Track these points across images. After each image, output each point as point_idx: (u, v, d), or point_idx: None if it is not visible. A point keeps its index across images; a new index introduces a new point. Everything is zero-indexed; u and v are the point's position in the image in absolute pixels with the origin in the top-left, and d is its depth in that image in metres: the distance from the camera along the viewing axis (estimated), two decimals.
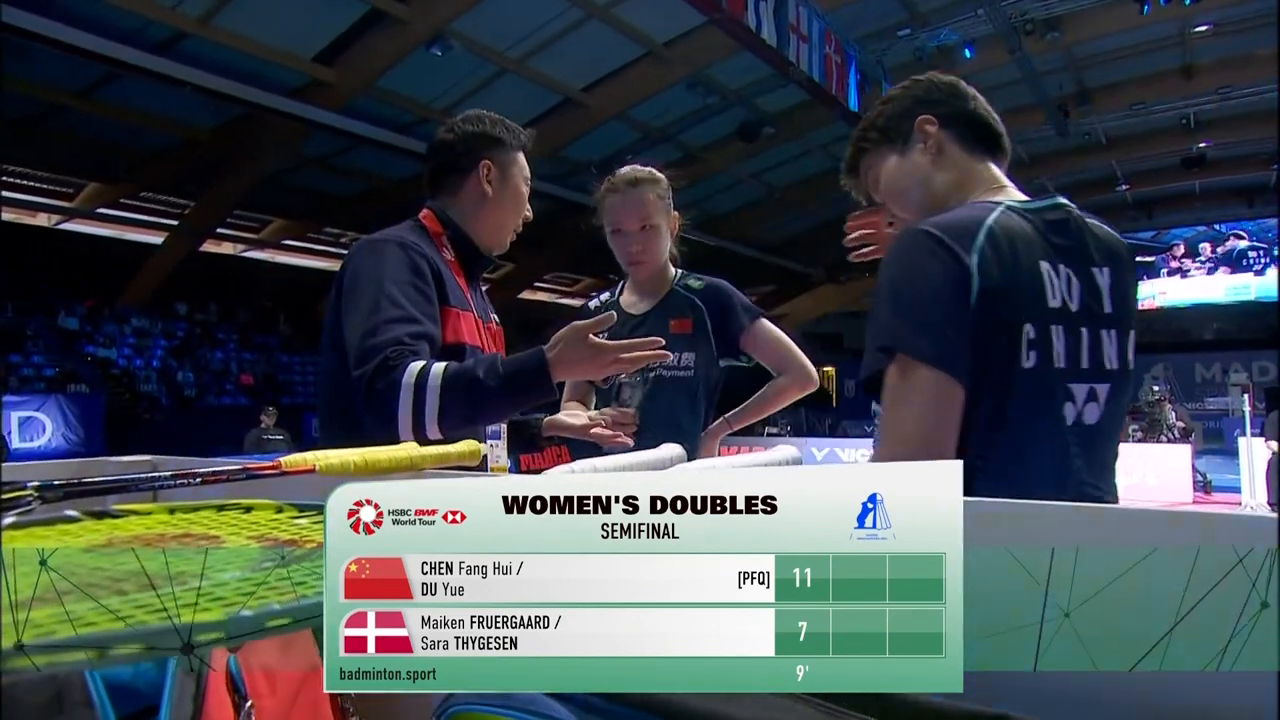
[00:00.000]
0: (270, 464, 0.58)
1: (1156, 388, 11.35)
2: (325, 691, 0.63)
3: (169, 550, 0.33)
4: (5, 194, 13.45)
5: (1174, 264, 19.58)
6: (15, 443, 10.85)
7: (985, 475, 0.89)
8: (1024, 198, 1.05)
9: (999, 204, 0.98)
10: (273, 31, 9.80)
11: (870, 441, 11.72)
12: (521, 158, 1.54)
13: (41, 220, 14.85)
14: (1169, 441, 10.41)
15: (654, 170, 1.79)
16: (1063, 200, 1.04)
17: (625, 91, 12.16)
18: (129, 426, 12.42)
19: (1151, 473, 9.11)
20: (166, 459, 0.91)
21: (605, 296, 1.93)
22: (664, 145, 14.06)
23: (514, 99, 11.29)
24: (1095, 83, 13.11)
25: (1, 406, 10.44)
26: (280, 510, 0.42)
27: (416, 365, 1.20)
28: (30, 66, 9.58)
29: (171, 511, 0.40)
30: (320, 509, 0.40)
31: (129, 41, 9.19)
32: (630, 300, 1.87)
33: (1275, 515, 0.42)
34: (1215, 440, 13.08)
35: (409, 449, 0.73)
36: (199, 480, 0.51)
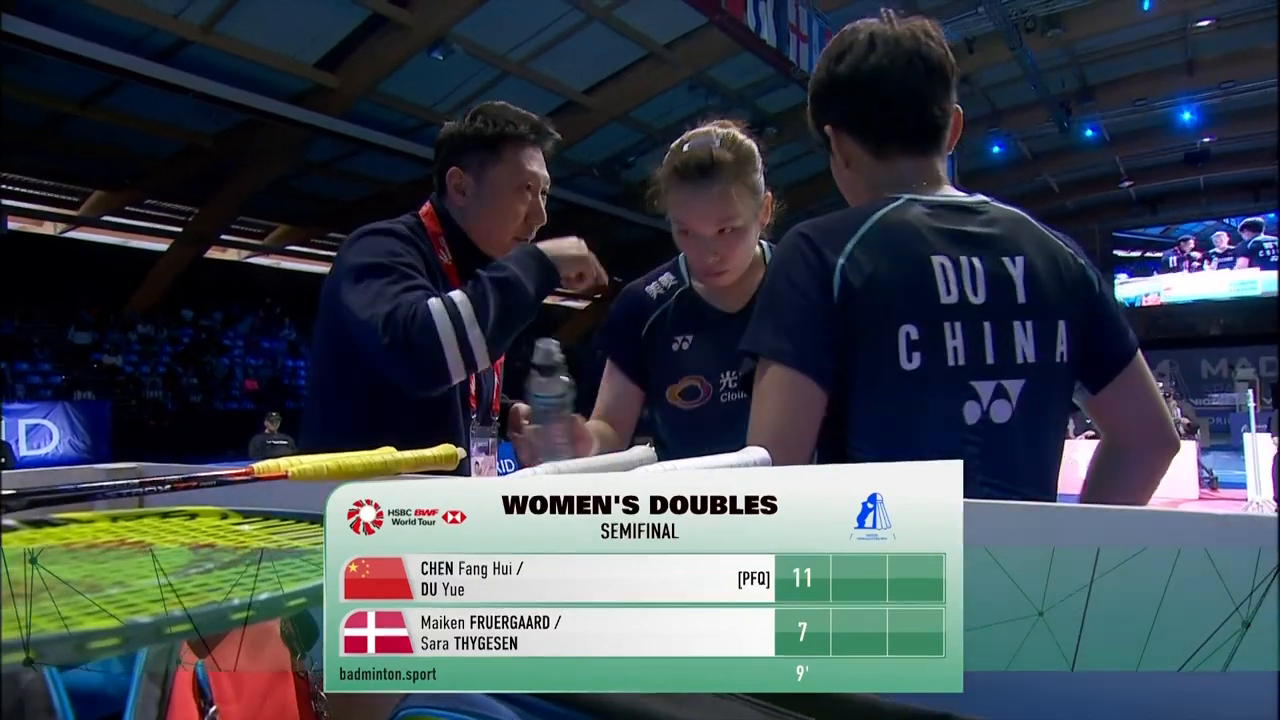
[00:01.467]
0: (243, 470, 0.58)
1: (1160, 385, 11.30)
2: (322, 693, 0.64)
3: (93, 558, 0.33)
4: (12, 203, 13.52)
5: (1183, 257, 19.49)
6: (22, 450, 10.89)
7: None
8: (950, 192, 0.99)
9: (898, 198, 0.95)
10: (275, 38, 9.84)
11: None
12: (516, 157, 1.37)
13: (48, 229, 14.92)
14: None
15: (738, 139, 1.28)
16: (984, 197, 1.00)
17: (626, 93, 12.17)
18: (135, 433, 12.46)
19: None
20: (155, 466, 0.90)
21: (668, 280, 1.42)
22: (666, 146, 14.06)
23: (515, 101, 11.17)
24: (1098, 79, 13.08)
25: (1, 414, 10.48)
26: (224, 516, 0.42)
27: (436, 302, 1.17)
28: (35, 76, 9.63)
29: (114, 519, 0.41)
30: (264, 515, 0.41)
31: (133, 50, 9.24)
32: (711, 292, 1.39)
33: (1274, 514, 0.42)
34: (1222, 436, 13.02)
35: (384, 454, 0.73)
36: (168, 487, 0.51)
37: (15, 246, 13.81)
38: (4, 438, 9.80)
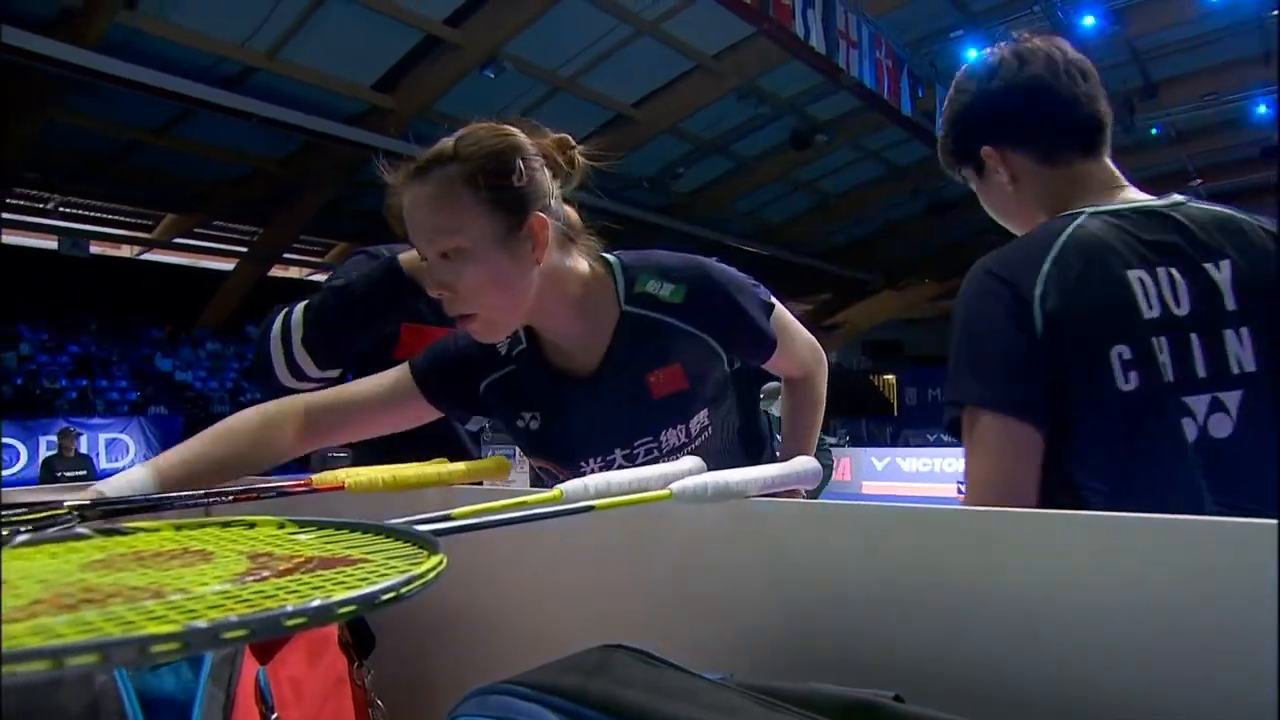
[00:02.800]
0: (302, 481, 0.59)
1: None
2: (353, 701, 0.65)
3: (158, 565, 0.34)
4: (93, 228, 14.25)
5: None
6: (102, 463, 11.41)
7: (1101, 505, 0.83)
8: (1133, 197, 0.96)
9: (1077, 214, 0.92)
10: (334, 62, 10.17)
11: (932, 451, 11.47)
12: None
13: (125, 251, 15.68)
14: None
15: (483, 137, 0.96)
16: (1179, 197, 0.96)
17: (675, 105, 12.21)
18: None
19: None
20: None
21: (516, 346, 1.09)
22: (716, 156, 14.06)
23: (566, 116, 11.43)
24: (1162, 75, 12.62)
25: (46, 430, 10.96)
26: (281, 526, 0.43)
27: (284, 312, 1.23)
28: (112, 108, 10.16)
29: (178, 528, 0.42)
30: (319, 525, 0.41)
31: (201, 79, 9.66)
32: (561, 349, 1.06)
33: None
34: None
35: (438, 465, 0.74)
36: (230, 499, 0.53)
37: (96, 269, 14.55)
38: (86, 451, 10.29)
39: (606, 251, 1.09)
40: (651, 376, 1.04)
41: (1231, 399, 0.87)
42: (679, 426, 1.07)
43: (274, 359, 1.19)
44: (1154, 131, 13.73)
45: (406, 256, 1.21)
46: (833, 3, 8.25)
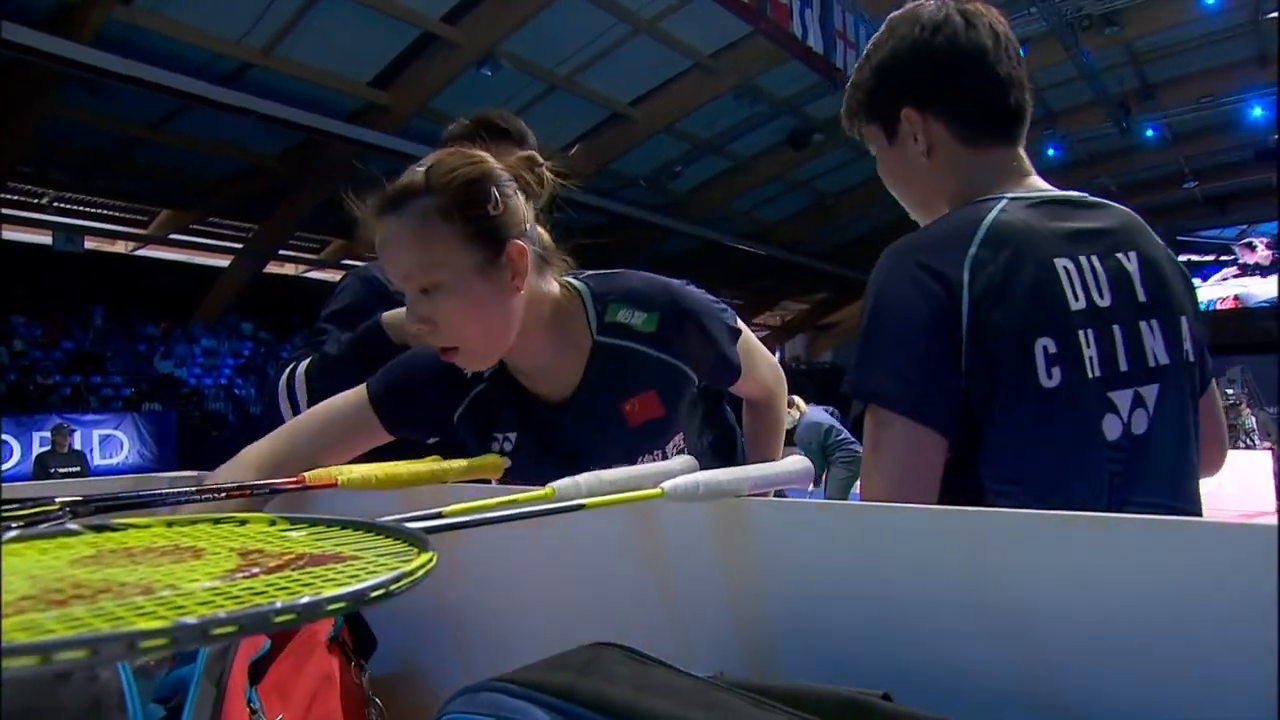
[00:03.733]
0: (294, 479, 0.59)
1: (1231, 391, 10.81)
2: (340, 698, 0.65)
3: (149, 562, 0.35)
4: (88, 224, 14.20)
5: (1255, 259, 18.66)
6: (96, 460, 11.38)
7: (1010, 505, 0.80)
8: (1042, 186, 0.91)
9: (999, 198, 0.85)
10: (331, 58, 10.15)
11: None
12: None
13: (120, 247, 15.63)
14: (1247, 448, 9.91)
15: (457, 167, 0.94)
16: (1078, 193, 0.92)
17: (673, 104, 12.21)
18: (199, 443, 12.91)
19: (1229, 480, 8.67)
20: (215, 474, 0.94)
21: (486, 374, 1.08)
22: (713, 155, 14.06)
23: (563, 115, 11.45)
24: (1159, 77, 12.65)
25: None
26: (272, 523, 0.43)
27: (289, 368, 1.29)
28: (109, 103, 10.12)
29: (170, 525, 0.42)
30: (310, 522, 0.42)
31: (199, 75, 9.64)
32: (534, 377, 1.06)
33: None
34: None
35: (431, 463, 0.74)
36: (223, 495, 0.53)
37: (91, 265, 14.50)
38: (79, 447, 10.26)
39: (574, 272, 1.07)
40: (627, 405, 1.03)
41: (1150, 393, 0.84)
42: (655, 453, 1.07)
43: (285, 420, 1.24)
44: (1150, 133, 13.76)
45: (390, 316, 1.26)
46: (830, 3, 8.26)
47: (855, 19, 8.81)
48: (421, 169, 0.94)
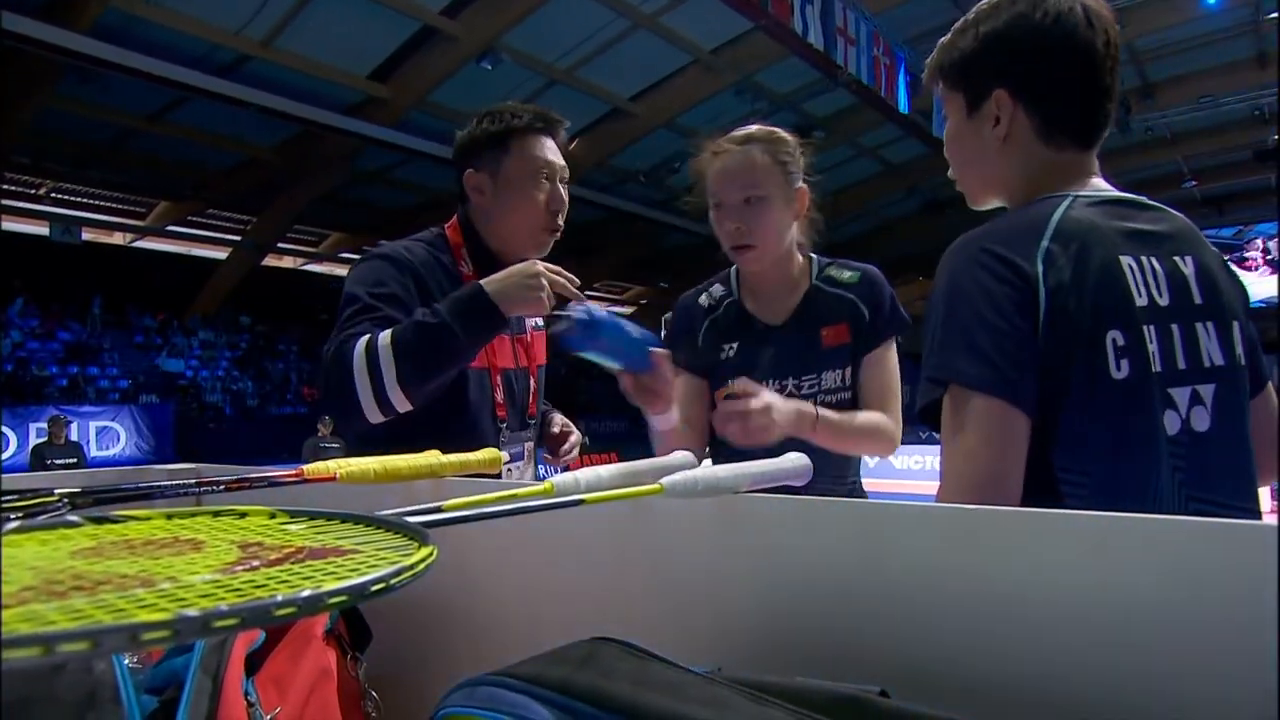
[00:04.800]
0: (293, 472, 0.59)
1: None
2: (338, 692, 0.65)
3: (149, 554, 0.34)
4: (85, 215, 14.16)
5: (1253, 259, 18.68)
6: (93, 451, 11.37)
7: (1080, 500, 0.80)
8: (1104, 186, 0.92)
9: (1065, 196, 0.87)
10: (330, 51, 10.13)
11: (925, 448, 11.50)
12: (527, 147, 1.37)
13: (117, 239, 15.59)
14: None
15: (773, 128, 1.38)
16: (1135, 195, 0.93)
17: (673, 99, 12.21)
18: (196, 435, 12.91)
19: None
20: (212, 467, 0.94)
21: (718, 291, 1.47)
22: None
23: (562, 109, 11.33)
24: (1159, 76, 12.66)
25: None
26: (273, 516, 0.43)
27: (362, 342, 1.16)
28: (107, 93, 10.09)
29: (169, 517, 0.42)
30: (310, 515, 0.42)
31: (197, 66, 9.60)
32: (757, 304, 1.43)
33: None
34: None
35: (429, 457, 0.74)
36: (222, 487, 0.53)
37: (88, 256, 14.47)
38: (76, 438, 10.25)
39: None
40: (825, 331, 1.39)
41: (1207, 392, 0.85)
42: (838, 371, 1.38)
43: (360, 395, 1.15)
44: (1149, 132, 13.77)
45: (495, 284, 1.20)
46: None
47: (856, 16, 8.80)
48: (752, 128, 1.37)
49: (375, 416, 1.17)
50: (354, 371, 1.14)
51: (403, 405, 1.17)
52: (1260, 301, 18.45)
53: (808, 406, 1.27)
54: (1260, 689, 0.42)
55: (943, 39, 0.97)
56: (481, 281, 1.21)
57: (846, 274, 1.41)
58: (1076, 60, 0.88)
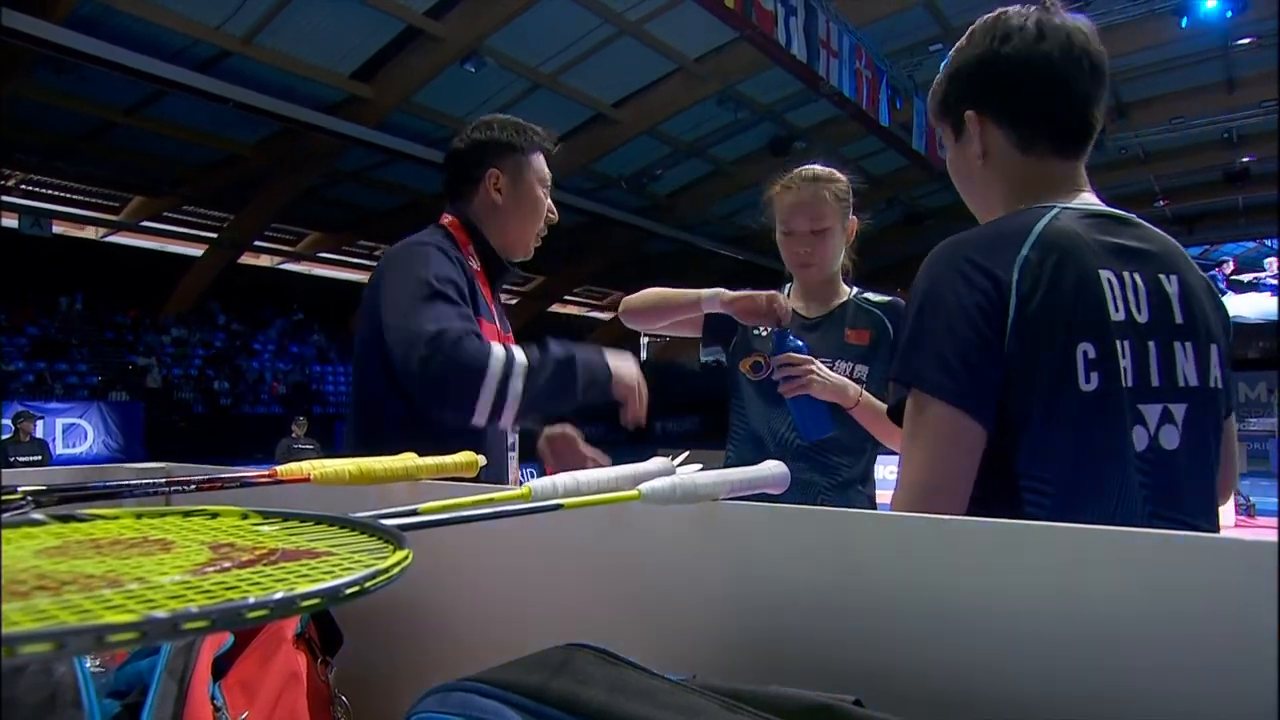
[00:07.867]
0: (267, 472, 0.59)
1: None
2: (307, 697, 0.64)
3: (116, 554, 0.34)
4: (55, 208, 13.90)
5: (1222, 279, 19.08)
6: (59, 449, 11.14)
7: (1041, 509, 0.81)
8: (1094, 201, 0.94)
9: (1053, 207, 0.89)
10: (312, 49, 10.04)
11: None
12: (538, 160, 1.52)
13: (89, 233, 15.31)
14: None
15: (834, 171, 1.68)
16: (1127, 213, 0.96)
17: (656, 107, 12.24)
18: (167, 434, 12.69)
19: None
20: (182, 467, 0.92)
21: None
22: (695, 159, 14.10)
23: (546, 114, 11.38)
24: (1133, 97, 12.90)
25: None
26: (245, 517, 0.42)
27: (500, 351, 1.22)
28: (82, 85, 9.92)
29: (138, 517, 0.41)
30: (284, 516, 0.41)
31: (176, 60, 9.48)
32: (803, 304, 1.74)
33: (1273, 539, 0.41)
34: (1259, 462, 12.69)
35: (406, 459, 0.73)
36: (193, 487, 0.52)
37: (59, 249, 14.20)
38: (42, 435, 10.03)
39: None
40: (849, 331, 1.68)
41: (1179, 411, 0.86)
42: (850, 364, 1.63)
43: (480, 399, 1.20)
44: (1123, 151, 14.03)
45: (617, 365, 1.34)
46: (815, 11, 8.32)
47: (839, 28, 8.89)
48: (817, 168, 1.68)
49: (482, 420, 1.23)
50: (485, 377, 1.20)
51: (508, 420, 1.24)
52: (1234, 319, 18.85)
53: (854, 385, 1.52)
54: (1231, 703, 0.42)
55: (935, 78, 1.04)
56: (608, 357, 1.34)
57: (879, 298, 1.73)
58: (1030, 73, 0.93)
